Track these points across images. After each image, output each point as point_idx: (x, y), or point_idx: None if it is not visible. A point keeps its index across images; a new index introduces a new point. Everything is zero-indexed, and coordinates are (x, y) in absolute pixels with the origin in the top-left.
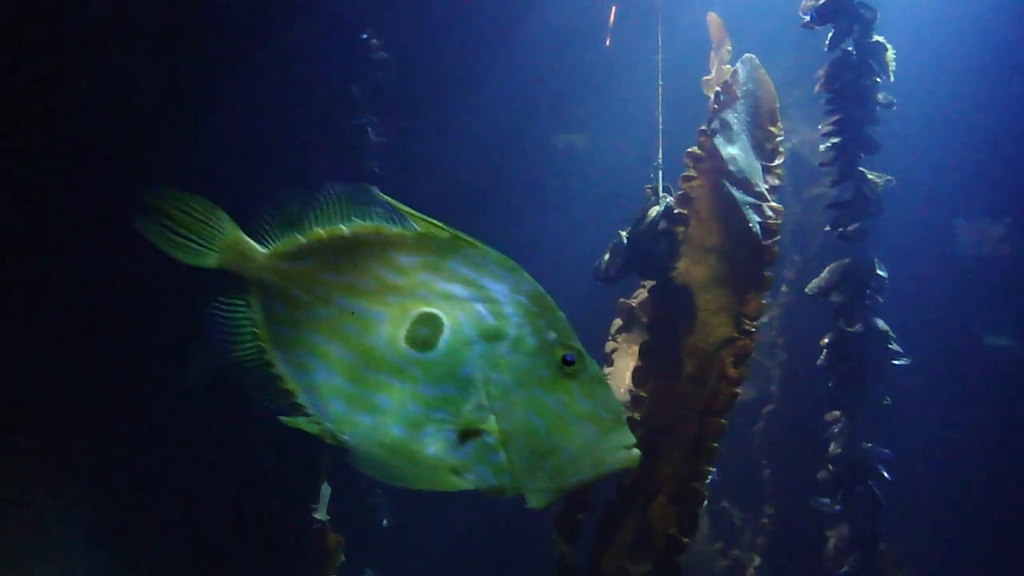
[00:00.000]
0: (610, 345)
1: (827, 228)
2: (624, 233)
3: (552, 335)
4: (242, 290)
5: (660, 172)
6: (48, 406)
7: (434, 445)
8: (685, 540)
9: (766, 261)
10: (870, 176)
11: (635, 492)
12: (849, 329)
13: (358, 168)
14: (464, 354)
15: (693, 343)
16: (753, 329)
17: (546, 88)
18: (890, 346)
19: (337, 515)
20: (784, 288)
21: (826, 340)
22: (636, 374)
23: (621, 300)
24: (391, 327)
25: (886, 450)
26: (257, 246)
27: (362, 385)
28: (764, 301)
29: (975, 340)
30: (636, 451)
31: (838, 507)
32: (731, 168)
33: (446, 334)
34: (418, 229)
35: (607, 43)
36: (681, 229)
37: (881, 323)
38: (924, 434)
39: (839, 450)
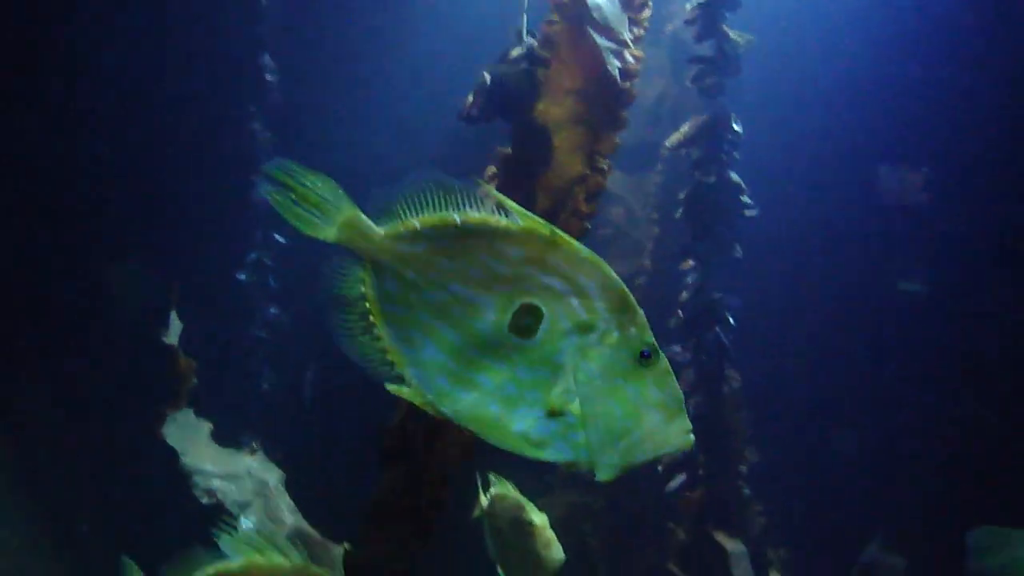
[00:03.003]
0: (482, 190)
1: (689, 83)
2: (487, 74)
3: (633, 330)
4: (357, 266)
5: (525, 15)
6: None
7: (523, 422)
8: None
9: (623, 102)
10: (732, 35)
11: None
12: (705, 180)
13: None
14: (559, 343)
15: (548, 180)
16: (605, 167)
17: None
18: (742, 198)
19: (218, 381)
20: (660, 167)
21: (683, 194)
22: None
23: (499, 148)
24: (497, 314)
25: (735, 299)
26: (374, 225)
27: (466, 365)
28: (618, 141)
29: (889, 284)
30: (692, 436)
31: (689, 355)
32: (594, 15)
33: (545, 324)
34: (521, 224)
35: None
36: (542, 71)
37: (735, 176)
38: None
39: (690, 297)
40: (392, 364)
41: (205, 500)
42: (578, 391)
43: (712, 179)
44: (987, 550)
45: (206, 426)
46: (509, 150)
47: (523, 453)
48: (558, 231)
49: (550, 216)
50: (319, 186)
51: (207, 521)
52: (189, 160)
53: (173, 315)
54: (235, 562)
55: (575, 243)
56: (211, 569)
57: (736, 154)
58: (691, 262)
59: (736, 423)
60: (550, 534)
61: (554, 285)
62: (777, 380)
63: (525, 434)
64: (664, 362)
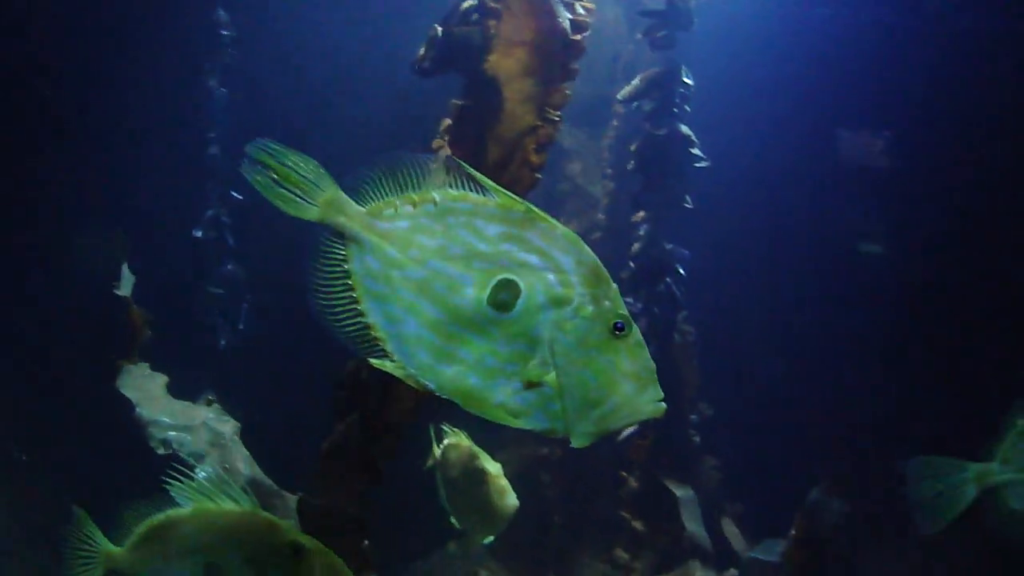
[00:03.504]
0: (437, 143)
1: (639, 36)
2: (439, 27)
3: (607, 303)
4: (340, 244)
5: None
6: None
7: (503, 393)
8: None
9: (574, 54)
10: None
11: None
12: (656, 132)
13: None
14: (536, 317)
15: (499, 132)
16: (556, 118)
17: None
18: (692, 150)
19: (175, 337)
20: (615, 123)
21: (634, 146)
22: (447, 161)
23: (453, 100)
24: (476, 290)
25: (685, 250)
26: (355, 204)
27: (447, 339)
28: (568, 92)
29: (849, 246)
30: (663, 404)
31: (640, 305)
32: None
33: (522, 299)
34: (498, 200)
35: None
36: (493, 23)
37: (685, 128)
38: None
39: (641, 248)
40: (375, 339)
41: (160, 451)
42: (555, 363)
43: (663, 131)
44: (924, 479)
45: (162, 379)
46: (461, 102)
47: (502, 422)
48: (534, 208)
49: (501, 167)
50: (300, 166)
51: (161, 471)
52: (145, 117)
53: (125, 268)
54: (185, 509)
55: (551, 219)
56: (162, 516)
57: (687, 107)
58: (642, 214)
59: (687, 373)
60: (504, 482)
61: (531, 261)
62: (730, 334)
63: (504, 405)
64: (637, 334)
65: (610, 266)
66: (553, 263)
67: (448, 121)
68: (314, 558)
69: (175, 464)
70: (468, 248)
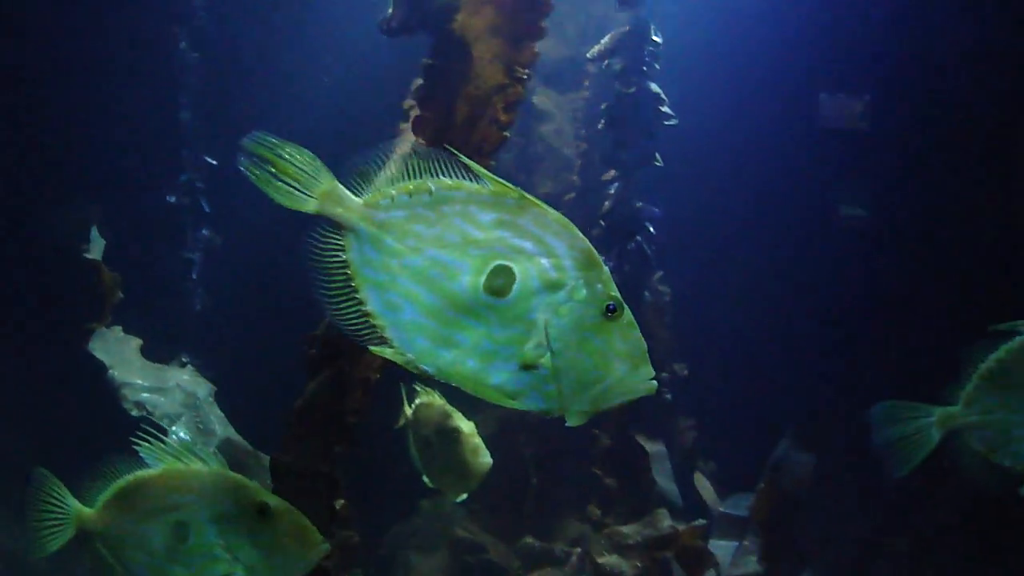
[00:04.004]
0: (408, 103)
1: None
2: None
3: (600, 287)
4: (338, 235)
5: None
6: None
7: (500, 376)
8: None
9: (542, 12)
10: None
11: None
12: (625, 91)
13: None
14: (531, 301)
15: (468, 91)
16: (525, 76)
17: None
18: (661, 108)
19: (150, 301)
20: (587, 83)
21: (604, 105)
22: (415, 122)
23: (424, 60)
24: (472, 276)
25: (655, 208)
26: (352, 195)
27: (445, 325)
28: (537, 50)
29: (831, 210)
30: (655, 383)
31: (611, 263)
32: None
33: (517, 284)
34: (491, 188)
35: None
36: None
37: (654, 86)
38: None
39: (612, 207)
40: (374, 327)
41: (134, 412)
42: (550, 345)
43: (632, 90)
44: (889, 423)
45: (135, 342)
46: (430, 61)
47: (500, 403)
48: (526, 194)
49: (470, 125)
50: (297, 158)
51: (134, 433)
52: (115, 81)
53: (95, 231)
54: (154, 470)
55: (543, 205)
56: (131, 477)
57: (657, 65)
58: (613, 172)
59: (659, 332)
60: (477, 440)
61: (525, 246)
62: (702, 293)
63: (501, 387)
64: (628, 315)
65: (584, 228)
66: (547, 248)
67: (420, 80)
68: (281, 518)
69: (145, 426)
70: (463, 235)
